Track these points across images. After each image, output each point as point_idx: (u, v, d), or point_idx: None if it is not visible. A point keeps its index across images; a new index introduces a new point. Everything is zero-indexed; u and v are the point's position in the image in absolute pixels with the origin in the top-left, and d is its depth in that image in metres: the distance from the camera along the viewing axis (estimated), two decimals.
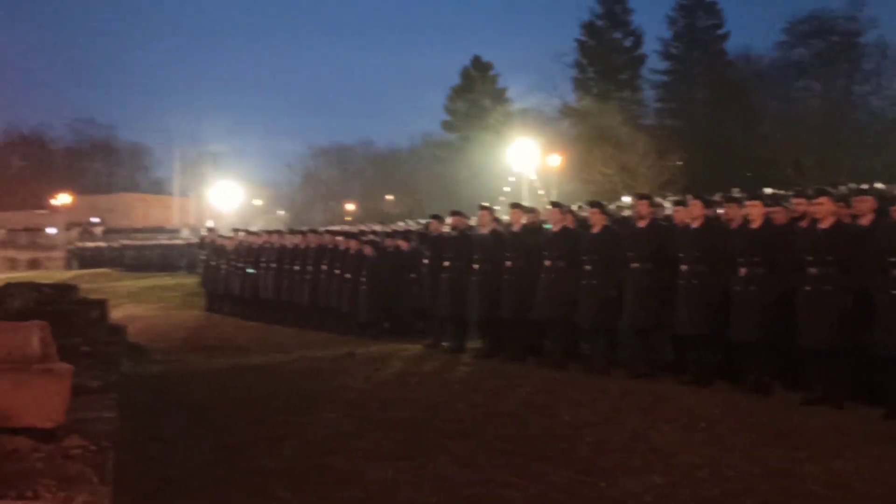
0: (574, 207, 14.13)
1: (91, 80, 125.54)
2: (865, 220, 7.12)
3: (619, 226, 9.49)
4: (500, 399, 7.49)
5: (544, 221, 9.94)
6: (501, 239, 9.84)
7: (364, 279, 11.98)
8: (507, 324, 9.59)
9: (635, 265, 8.31)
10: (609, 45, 50.50)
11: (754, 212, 7.62)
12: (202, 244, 19.26)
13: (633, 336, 8.40)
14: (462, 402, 7.43)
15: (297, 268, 13.51)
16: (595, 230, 8.87)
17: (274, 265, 14.17)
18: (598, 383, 8.03)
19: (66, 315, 6.09)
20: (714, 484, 4.95)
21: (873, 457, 5.45)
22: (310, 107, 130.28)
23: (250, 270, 14.53)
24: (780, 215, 7.84)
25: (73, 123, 76.19)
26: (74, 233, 52.35)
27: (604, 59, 49.78)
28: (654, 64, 51.13)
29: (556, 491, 4.87)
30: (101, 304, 7.48)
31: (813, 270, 6.98)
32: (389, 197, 59.31)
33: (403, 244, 12.42)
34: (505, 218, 12.43)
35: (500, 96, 53.58)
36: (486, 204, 11.23)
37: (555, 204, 9.93)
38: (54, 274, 31.01)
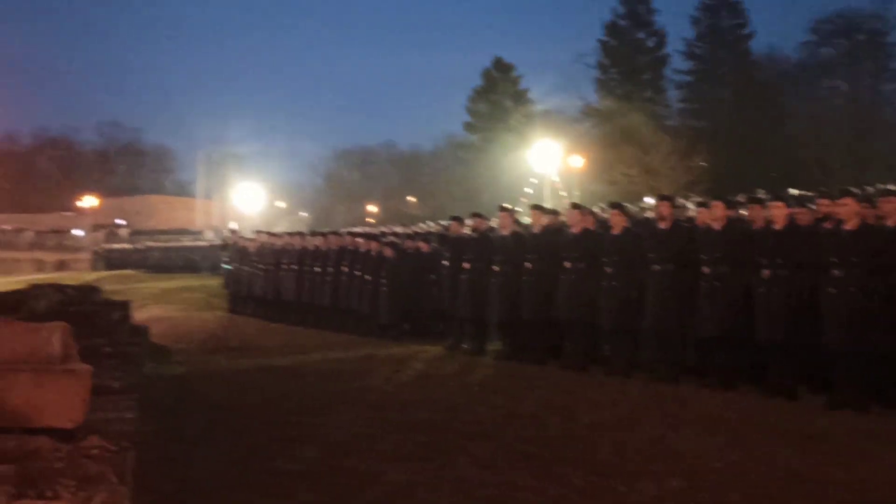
0: (595, 209, 14.05)
1: (118, 84, 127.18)
2: (891, 221, 7.01)
3: (641, 227, 9.42)
4: (519, 401, 7.46)
5: (565, 223, 9.88)
6: (522, 240, 9.81)
7: (384, 281, 12.01)
8: (528, 325, 9.55)
9: (657, 267, 8.24)
10: (632, 46, 50.20)
11: (777, 213, 7.53)
12: (225, 246, 19.41)
13: (655, 338, 8.33)
14: (482, 403, 7.42)
15: (318, 269, 13.57)
16: (616, 231, 8.81)
17: (295, 267, 14.24)
18: (619, 386, 7.99)
19: (90, 316, 6.17)
20: (736, 489, 4.89)
21: None
22: (332, 109, 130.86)
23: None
24: (804, 216, 7.75)
25: (100, 126, 77.33)
26: (100, 235, 52.99)
27: (626, 59, 49.48)
28: (678, 64, 50.83)
29: (575, 494, 4.84)
30: (124, 306, 7.58)
31: (837, 272, 6.89)
32: (411, 198, 59.41)
33: (423, 246, 12.42)
34: (526, 219, 12.39)
35: (521, 97, 53.47)
36: (507, 205, 11.20)
37: (575, 205, 9.88)
38: (80, 275, 31.39)
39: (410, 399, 7.61)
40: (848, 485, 4.93)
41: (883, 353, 6.72)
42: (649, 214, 12.77)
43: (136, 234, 53.48)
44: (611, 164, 40.76)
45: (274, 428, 6.42)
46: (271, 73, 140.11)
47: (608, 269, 8.60)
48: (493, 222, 11.48)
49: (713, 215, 8.09)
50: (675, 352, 8.27)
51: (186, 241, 41.69)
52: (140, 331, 8.91)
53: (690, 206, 12.87)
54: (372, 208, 60.26)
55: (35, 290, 6.30)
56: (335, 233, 14.77)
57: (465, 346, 10.37)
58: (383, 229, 20.05)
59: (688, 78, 50.67)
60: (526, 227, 10.66)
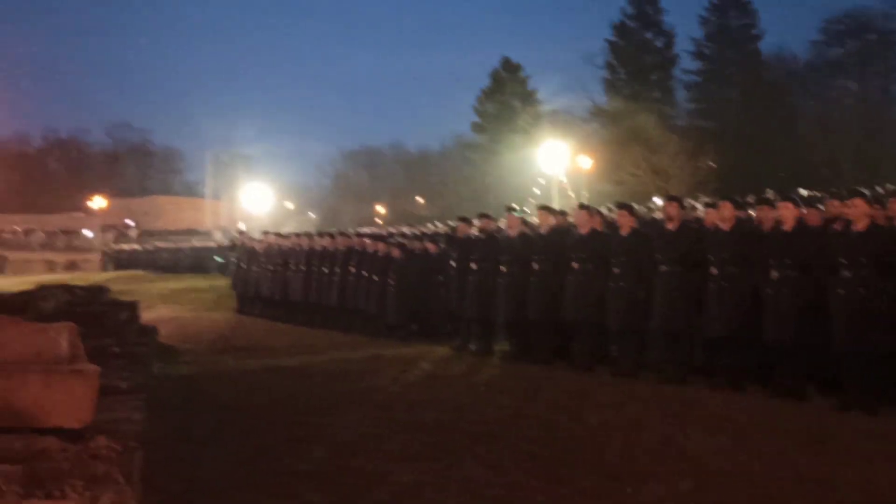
0: (603, 209, 14.02)
1: (127, 86, 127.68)
2: None
3: (649, 228, 9.39)
4: (526, 402, 7.45)
5: (572, 224, 9.87)
6: (529, 241, 9.79)
7: (392, 281, 12.01)
8: (535, 326, 9.54)
9: (664, 267, 8.22)
10: (640, 46, 50.10)
11: (786, 213, 7.49)
12: (233, 247, 19.46)
13: (662, 339, 8.30)
14: (489, 404, 7.41)
15: (325, 270, 13.58)
16: (623, 232, 8.79)
17: (303, 267, 14.26)
18: (627, 386, 7.96)
19: (98, 317, 6.19)
20: (744, 490, 4.87)
21: None
22: (340, 110, 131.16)
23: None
24: (813, 217, 7.71)
25: (110, 128, 77.71)
26: (110, 235, 53.23)
27: (635, 59, 49.38)
28: (686, 64, 50.70)
29: (582, 496, 4.82)
30: (132, 306, 7.60)
31: (847, 273, 6.85)
32: (419, 199, 59.46)
33: (431, 246, 12.42)
34: (534, 220, 12.38)
35: (529, 98, 53.43)
36: (514, 206, 11.19)
37: (582, 206, 9.87)
38: (90, 276, 31.51)
39: (417, 399, 7.61)
40: (857, 486, 4.89)
41: (892, 355, 6.67)
42: (658, 215, 12.75)
43: (145, 234, 53.70)
44: (619, 164, 40.69)
45: (281, 428, 6.43)
46: (279, 75, 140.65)
47: (616, 270, 8.58)
48: (501, 223, 11.48)
49: (721, 216, 8.06)
50: (682, 353, 8.24)
51: (195, 242, 41.81)
52: (148, 331, 8.94)
53: (699, 206, 12.84)
54: (380, 209, 60.35)
55: (43, 290, 6.32)
56: (343, 233, 14.79)
57: (472, 346, 10.36)
58: (391, 230, 20.07)
59: (696, 78, 50.57)
60: (533, 227, 10.65)
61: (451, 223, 18.15)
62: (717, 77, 48.92)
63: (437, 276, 11.70)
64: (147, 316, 12.09)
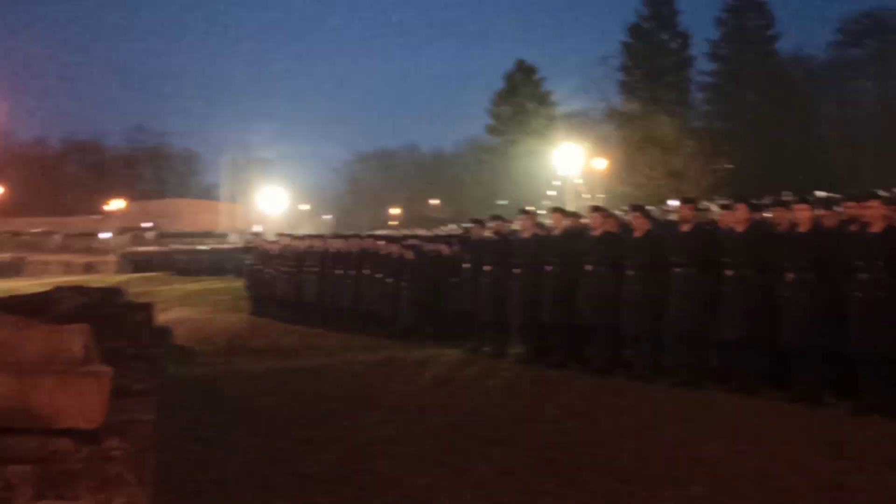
0: (618, 212, 13.97)
1: (145, 90, 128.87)
2: None
3: (663, 230, 9.33)
4: (540, 405, 7.42)
5: (586, 226, 9.82)
6: (543, 243, 9.76)
7: (405, 283, 12.02)
8: (549, 329, 9.50)
9: (679, 270, 8.16)
10: (656, 47, 49.88)
11: (802, 215, 7.42)
12: (248, 248, 19.54)
13: (677, 342, 8.25)
14: (502, 408, 7.39)
15: (339, 272, 13.61)
16: (638, 234, 8.75)
17: (317, 269, 14.29)
18: (641, 390, 7.91)
19: (112, 318, 6.21)
20: (759, 496, 4.83)
21: None
22: (355, 112, 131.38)
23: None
24: (830, 219, 7.63)
25: (128, 131, 78.26)
26: (127, 237, 53.62)
27: (650, 61, 49.16)
28: (702, 66, 50.43)
29: (595, 500, 4.81)
30: (147, 308, 7.62)
31: (863, 276, 6.77)
32: (434, 201, 59.49)
33: (444, 248, 12.41)
34: (548, 222, 12.34)
35: (544, 100, 53.33)
36: (529, 208, 11.16)
37: (596, 208, 9.82)
38: (107, 278, 31.76)
39: (431, 402, 7.60)
40: (873, 492, 4.85)
41: None
42: (674, 217, 12.67)
43: (161, 236, 54.07)
44: (634, 166, 40.55)
45: (294, 430, 6.44)
46: (295, 79, 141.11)
47: (630, 272, 8.54)
48: (515, 225, 11.45)
49: (736, 217, 7.99)
50: (698, 356, 8.18)
51: (211, 244, 42.02)
52: (163, 333, 8.97)
53: (714, 208, 12.75)
54: (395, 211, 60.43)
55: (59, 292, 6.36)
56: (356, 235, 14.82)
57: (486, 349, 10.34)
58: (405, 232, 20.08)
59: (712, 79, 50.26)
60: (547, 229, 10.61)
61: (465, 225, 18.14)
62: (733, 78, 48.62)
63: (451, 278, 11.68)
64: (163, 317, 12.17)
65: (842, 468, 5.30)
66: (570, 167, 38.31)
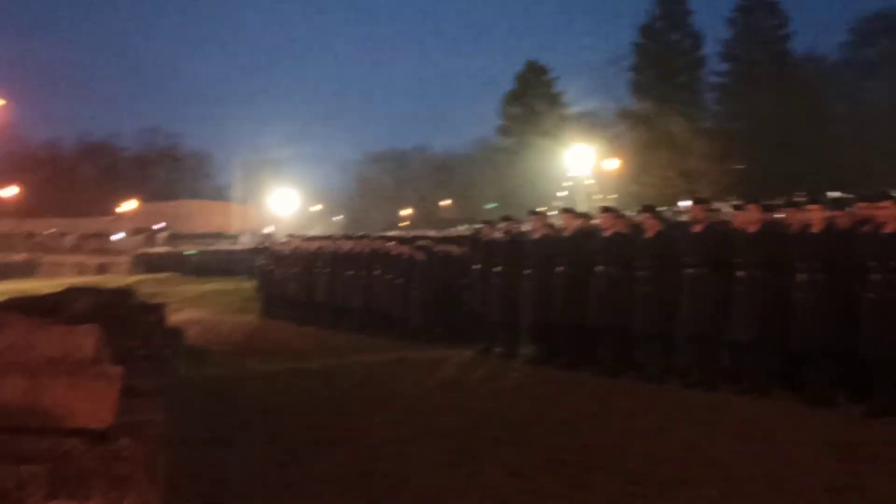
0: (629, 212, 13.92)
1: (158, 92, 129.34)
2: None
3: (674, 230, 9.30)
4: (551, 407, 7.40)
5: (597, 226, 9.80)
6: (553, 244, 9.74)
7: (416, 284, 12.02)
8: (560, 330, 9.48)
9: (690, 271, 8.13)
10: (667, 48, 49.69)
11: (814, 216, 7.38)
12: (259, 249, 19.61)
13: (689, 343, 8.21)
14: (513, 409, 7.38)
15: (350, 273, 13.63)
16: (648, 235, 8.72)
17: (328, 270, 14.33)
18: (653, 392, 7.89)
19: (125, 319, 6.26)
20: (771, 498, 4.80)
21: None
22: (366, 113, 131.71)
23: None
24: (843, 219, 7.58)
25: (141, 133, 78.72)
26: (140, 238, 53.92)
27: (662, 61, 48.99)
28: (715, 66, 50.22)
29: (606, 502, 4.79)
30: (159, 308, 7.67)
31: (876, 276, 6.72)
32: (445, 202, 59.51)
33: (455, 249, 12.41)
34: (559, 223, 12.31)
35: (555, 101, 53.25)
36: (540, 209, 11.15)
37: (607, 209, 9.79)
38: (120, 278, 31.92)
39: (441, 404, 7.60)
40: (888, 496, 4.80)
41: None
42: (685, 218, 12.62)
43: (174, 237, 54.33)
44: (646, 166, 40.42)
45: (305, 431, 6.46)
46: (307, 80, 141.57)
47: (641, 273, 8.51)
48: (525, 226, 11.44)
49: (748, 218, 7.95)
50: (710, 358, 8.14)
51: (223, 245, 42.18)
52: (175, 333, 9.01)
53: (727, 208, 12.69)
54: (406, 212, 60.49)
55: (71, 292, 6.41)
56: (367, 236, 14.85)
57: (496, 350, 10.33)
58: (416, 233, 20.10)
59: (725, 80, 50.03)
60: (557, 230, 10.59)
61: (477, 226, 18.13)
62: (746, 79, 48.37)
63: (461, 278, 11.67)
64: (175, 318, 12.23)
65: (855, 470, 5.25)
66: (582, 168, 38.25)
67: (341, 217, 63.13)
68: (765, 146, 41.10)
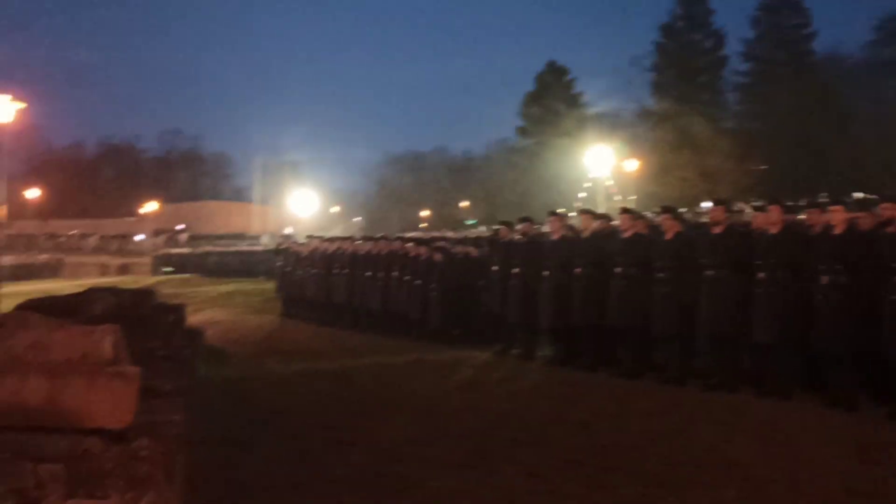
0: (649, 213, 13.84)
1: (179, 94, 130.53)
2: None
3: (694, 232, 9.23)
4: (569, 408, 7.37)
5: (616, 228, 9.75)
6: (572, 245, 9.70)
7: (434, 286, 12.02)
8: (578, 331, 9.44)
9: (711, 272, 8.06)
10: (689, 47, 49.46)
11: (837, 217, 7.29)
12: (278, 250, 19.69)
13: (710, 345, 8.15)
14: (531, 410, 7.36)
15: (368, 274, 13.65)
16: (668, 236, 8.66)
17: (346, 271, 14.36)
18: (673, 394, 7.83)
19: (144, 320, 6.29)
20: (791, 501, 4.75)
21: None
22: (385, 115, 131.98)
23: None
24: (865, 221, 7.48)
25: (162, 135, 79.51)
26: (161, 239, 54.36)
27: (683, 61, 48.73)
28: (736, 65, 49.87)
29: (623, 503, 4.76)
30: (179, 309, 7.70)
31: None
32: (464, 203, 59.49)
33: (473, 251, 12.40)
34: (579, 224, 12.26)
35: (575, 101, 53.14)
36: (559, 210, 11.10)
37: (626, 210, 9.74)
38: (141, 279, 32.20)
39: (459, 405, 7.59)
40: None
41: None
42: (706, 219, 12.52)
43: (195, 238, 54.73)
44: (667, 167, 40.18)
45: (322, 432, 6.47)
46: (326, 82, 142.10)
47: (660, 275, 8.45)
48: (545, 227, 11.40)
49: (769, 219, 7.87)
50: (730, 359, 8.07)
51: (243, 246, 42.41)
52: (194, 334, 9.05)
53: (746, 209, 12.58)
54: (425, 213, 60.53)
55: (92, 293, 6.45)
56: (385, 238, 14.86)
57: (514, 351, 10.30)
58: (435, 234, 20.09)
59: (747, 79, 49.65)
60: (576, 231, 10.54)
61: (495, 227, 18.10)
62: (768, 78, 47.97)
63: (480, 280, 11.65)
64: (196, 318, 12.31)
65: (877, 474, 5.19)
66: (601, 168, 38.06)
67: (360, 218, 63.29)
68: (786, 146, 40.73)
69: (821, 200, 9.36)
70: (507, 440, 6.16)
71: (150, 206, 63.06)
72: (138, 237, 57.60)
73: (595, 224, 9.77)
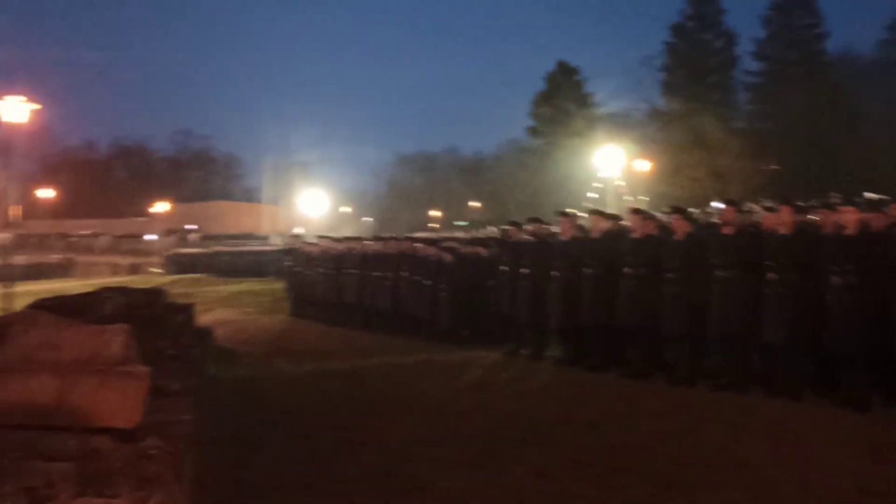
0: (660, 214, 13.78)
1: (190, 94, 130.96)
2: None
3: (705, 232, 9.19)
4: (578, 408, 7.35)
5: (626, 228, 9.72)
6: (581, 245, 9.68)
7: (443, 286, 12.01)
8: (588, 332, 9.42)
9: (721, 273, 8.03)
10: (700, 47, 49.23)
11: (849, 217, 7.25)
12: (288, 250, 19.71)
13: (720, 345, 8.11)
14: (540, 410, 7.35)
15: (378, 274, 13.66)
16: (678, 237, 8.63)
17: (356, 271, 14.37)
18: (682, 394, 7.80)
19: (154, 319, 6.31)
20: (802, 502, 4.73)
21: None
22: (396, 115, 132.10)
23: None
24: (878, 221, 7.43)
25: (174, 135, 79.81)
26: (172, 239, 54.57)
27: (694, 61, 48.52)
28: (747, 65, 49.64)
29: None
30: (188, 309, 7.74)
31: None
32: (475, 204, 59.46)
33: (482, 251, 12.39)
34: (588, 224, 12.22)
35: (586, 101, 52.98)
36: (568, 210, 11.08)
37: (636, 210, 9.71)
38: (152, 279, 32.32)
39: (468, 405, 7.59)
40: None
41: None
42: (716, 219, 12.46)
43: (206, 238, 54.93)
44: (677, 167, 40.02)
45: (332, 432, 6.48)
46: (336, 82, 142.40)
47: (670, 275, 8.42)
48: (554, 227, 11.37)
49: (781, 220, 7.83)
50: (741, 360, 8.03)
51: (253, 246, 42.51)
52: (204, 333, 9.08)
53: (757, 209, 12.51)
54: (435, 213, 60.53)
55: (103, 293, 6.48)
56: (395, 238, 14.86)
57: (524, 351, 10.29)
58: (445, 235, 20.09)
59: (758, 79, 49.41)
60: (586, 231, 10.52)
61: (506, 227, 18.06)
62: (779, 78, 47.71)
63: (489, 280, 11.64)
64: (206, 318, 12.35)
65: (890, 474, 5.17)
66: (612, 169, 37.92)
67: (371, 219, 63.36)
68: (797, 146, 40.50)
69: (832, 201, 9.30)
70: (517, 440, 6.16)
71: (161, 207, 63.32)
72: (150, 237, 57.83)
73: (605, 224, 9.74)
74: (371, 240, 15.60)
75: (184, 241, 53.68)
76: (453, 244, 13.38)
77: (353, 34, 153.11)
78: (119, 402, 3.45)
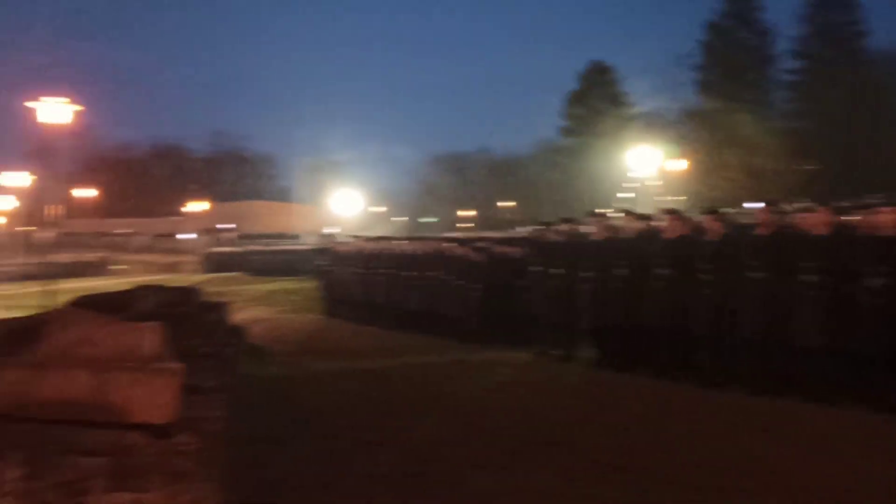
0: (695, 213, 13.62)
1: (226, 95, 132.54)
2: None
3: (739, 233, 9.07)
4: (607, 410, 7.32)
5: (657, 229, 9.63)
6: (613, 246, 9.62)
7: (475, 286, 12.01)
8: (618, 332, 9.36)
9: (755, 274, 7.92)
10: (736, 45, 48.65)
11: (885, 219, 7.11)
12: (321, 250, 19.85)
13: (752, 349, 8.00)
14: (569, 412, 7.32)
15: (410, 273, 13.70)
16: (712, 237, 8.53)
17: (388, 271, 14.43)
18: (714, 397, 7.71)
19: (189, 317, 6.40)
20: None
21: None
22: (428, 116, 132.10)
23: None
24: None
25: (209, 135, 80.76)
26: (209, 238, 55.21)
27: (730, 59, 47.95)
28: (785, 63, 48.92)
29: None
30: (222, 307, 7.84)
31: None
32: (507, 203, 59.32)
33: (514, 251, 12.36)
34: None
35: (619, 100, 52.62)
36: (600, 210, 11.02)
37: (670, 211, 9.62)
38: (188, 277, 32.74)
39: (496, 405, 7.59)
40: None
41: None
42: (749, 220, 12.30)
43: (242, 237, 55.51)
44: (713, 167, 39.55)
45: (360, 430, 6.52)
46: (369, 82, 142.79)
47: (703, 276, 8.33)
48: (585, 227, 11.31)
49: (818, 221, 7.71)
50: (774, 363, 7.92)
51: (287, 245, 42.84)
52: (238, 332, 9.20)
53: (791, 209, 12.32)
54: (467, 213, 60.48)
55: (138, 291, 6.59)
56: (427, 238, 14.89)
57: (554, 352, 10.25)
58: (476, 234, 20.08)
59: (796, 77, 48.65)
60: (618, 232, 10.44)
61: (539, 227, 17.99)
62: (818, 77, 46.94)
63: (520, 280, 11.61)
64: (240, 316, 12.49)
65: None
66: (646, 168, 37.60)
67: (405, 219, 63.49)
68: (836, 146, 39.80)
69: (870, 202, 9.13)
70: (545, 442, 6.15)
71: (199, 206, 64.07)
72: (184, 236, 58.54)
73: (637, 225, 9.67)
74: (403, 239, 15.64)
75: (218, 241, 54.28)
76: (485, 244, 13.37)
77: (388, 34, 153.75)
78: (152, 398, 3.51)
